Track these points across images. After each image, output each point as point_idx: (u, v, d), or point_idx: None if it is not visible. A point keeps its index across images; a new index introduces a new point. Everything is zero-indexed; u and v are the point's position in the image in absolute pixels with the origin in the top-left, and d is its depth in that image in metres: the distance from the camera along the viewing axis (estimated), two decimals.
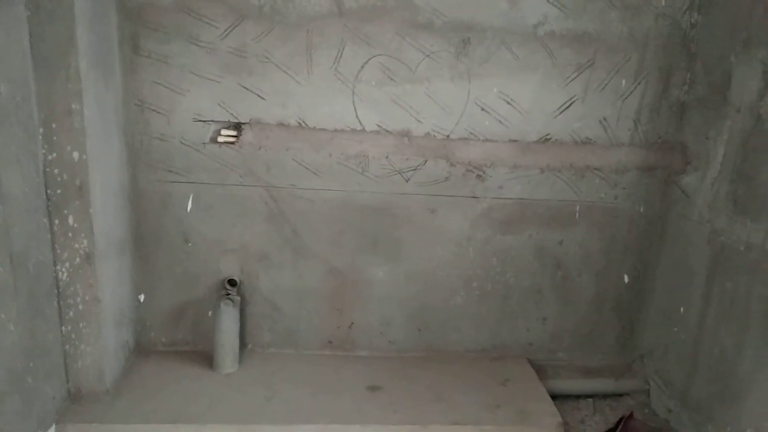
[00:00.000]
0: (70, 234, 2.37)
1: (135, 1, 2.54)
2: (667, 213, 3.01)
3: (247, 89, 2.71)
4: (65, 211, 2.34)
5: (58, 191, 2.31)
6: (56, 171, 2.29)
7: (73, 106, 2.22)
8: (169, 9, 2.56)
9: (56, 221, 2.35)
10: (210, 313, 2.96)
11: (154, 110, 2.69)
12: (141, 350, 2.99)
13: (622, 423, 2.70)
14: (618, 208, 3.04)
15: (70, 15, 2.10)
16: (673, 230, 2.95)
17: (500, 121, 2.86)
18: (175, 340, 3.03)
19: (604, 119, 2.88)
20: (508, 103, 2.83)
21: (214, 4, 2.58)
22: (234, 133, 2.77)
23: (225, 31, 2.62)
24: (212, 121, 2.74)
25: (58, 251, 2.37)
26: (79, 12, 2.13)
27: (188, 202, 2.84)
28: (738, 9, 2.49)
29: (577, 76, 2.80)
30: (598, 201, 3.02)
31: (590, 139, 2.92)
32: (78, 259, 2.40)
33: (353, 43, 2.68)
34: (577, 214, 3.03)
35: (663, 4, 2.72)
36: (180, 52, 2.62)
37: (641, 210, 3.04)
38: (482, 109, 2.83)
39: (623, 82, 2.83)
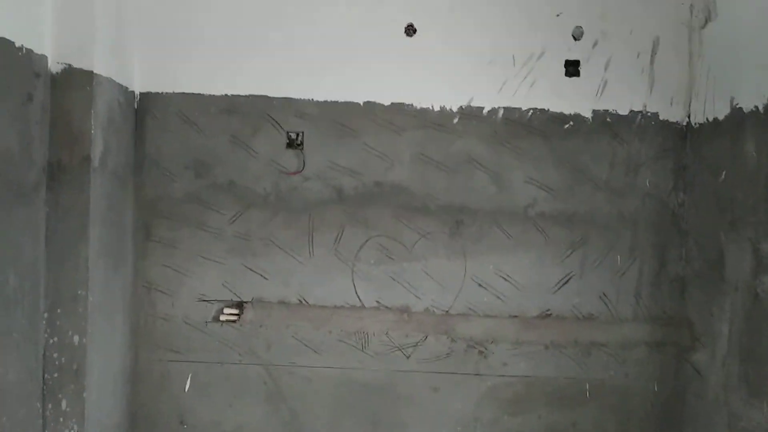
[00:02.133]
0: (61, 419, 2.35)
1: (151, 194, 2.79)
2: (683, 392, 2.84)
3: (251, 270, 2.83)
4: (59, 395, 2.35)
5: (55, 375, 2.34)
6: (55, 355, 2.34)
7: (78, 293, 2.34)
8: (181, 200, 2.80)
9: (49, 405, 2.35)
10: None
11: (160, 291, 2.81)
12: None
13: None
14: (630, 387, 2.89)
15: (85, 211, 2.31)
16: (692, 412, 2.76)
17: (498, 297, 2.87)
18: None
19: (604, 295, 2.87)
20: (505, 279, 2.86)
21: (223, 195, 2.81)
22: (236, 311, 2.84)
23: (232, 218, 2.81)
24: (216, 300, 2.83)
25: None
26: (93, 209, 2.34)
27: (186, 381, 2.83)
28: (720, 191, 2.58)
29: (572, 253, 2.86)
30: (608, 379, 2.88)
31: (592, 315, 2.88)
32: None
33: (352, 226, 2.84)
34: (588, 393, 2.88)
35: (648, 185, 2.85)
36: (188, 237, 2.80)
37: (655, 388, 2.88)
38: (480, 285, 2.87)
39: (618, 258, 2.86)
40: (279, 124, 2.81)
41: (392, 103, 2.82)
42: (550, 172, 2.84)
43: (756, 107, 2.32)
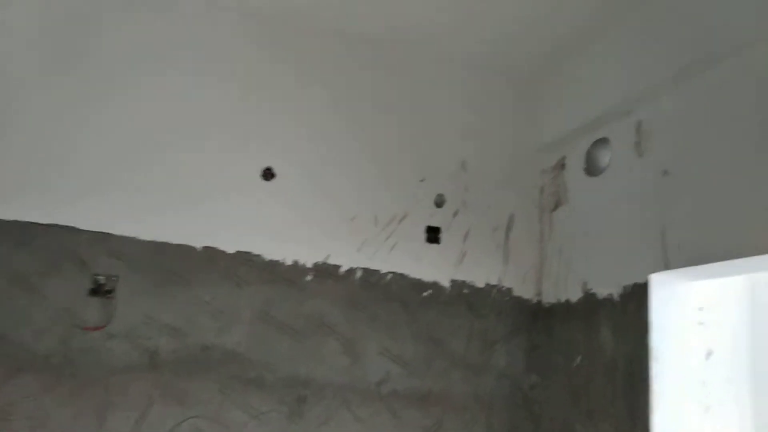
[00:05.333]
0: None
1: None
2: None
3: None
4: None
5: None
6: None
7: None
8: None
9: None
10: None
11: None
12: None
13: None
14: None
15: None
16: None
17: None
18: None
19: None
20: None
21: None
22: None
23: None
24: None
25: None
26: None
27: None
28: (575, 377, 2.49)
29: None
30: None
31: None
32: None
33: (163, 403, 2.19)
34: None
35: (503, 364, 2.69)
36: None
37: None
38: None
39: None
40: (86, 264, 2.19)
41: (238, 252, 2.39)
42: (407, 343, 2.56)
43: (610, 295, 2.33)
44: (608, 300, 2.34)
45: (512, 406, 2.67)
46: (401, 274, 2.61)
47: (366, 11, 2.55)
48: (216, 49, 2.55)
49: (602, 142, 2.52)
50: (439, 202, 2.72)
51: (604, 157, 2.49)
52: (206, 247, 2.35)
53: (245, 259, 2.39)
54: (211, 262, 2.35)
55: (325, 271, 2.50)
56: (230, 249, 2.38)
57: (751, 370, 2.17)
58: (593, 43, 2.58)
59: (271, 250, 2.44)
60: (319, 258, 2.50)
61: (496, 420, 2.63)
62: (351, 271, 2.54)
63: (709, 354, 2.14)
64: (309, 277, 2.47)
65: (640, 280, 2.18)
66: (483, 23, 2.56)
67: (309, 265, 2.48)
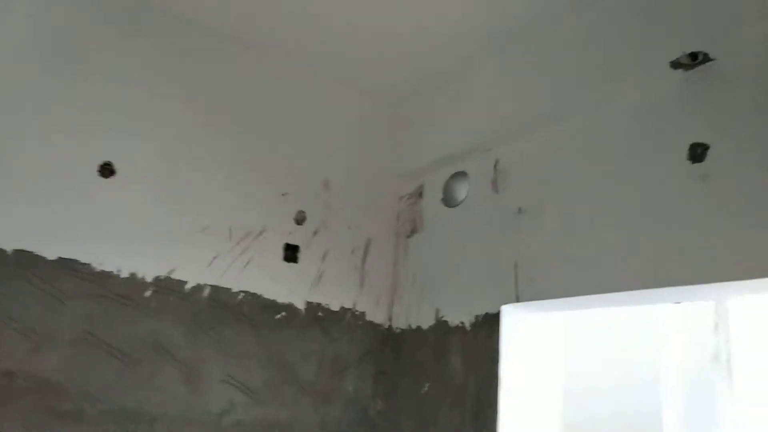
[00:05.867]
0: None
1: None
2: None
3: None
4: None
5: None
6: None
7: None
8: None
9: None
10: None
11: None
12: None
13: None
14: None
15: None
16: None
17: None
18: None
19: None
20: None
21: None
22: None
23: None
24: None
25: None
26: None
27: None
28: (423, 403, 2.49)
29: None
30: None
31: None
32: None
33: None
34: None
35: (351, 390, 2.62)
36: None
37: None
38: None
39: None
40: None
41: (60, 258, 2.01)
42: (255, 369, 2.36)
43: (462, 323, 2.40)
44: (460, 328, 2.41)
45: None
46: (254, 294, 2.42)
47: (241, 12, 2.37)
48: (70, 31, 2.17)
49: (461, 175, 2.62)
50: (300, 219, 2.60)
51: (462, 190, 2.59)
52: (19, 251, 1.94)
53: (69, 267, 2.02)
54: (24, 269, 1.94)
55: (167, 286, 2.21)
56: (51, 255, 1.99)
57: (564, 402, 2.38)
58: (460, 80, 2.68)
59: (102, 260, 2.09)
60: (162, 272, 2.21)
61: None
62: (198, 288, 2.28)
63: (545, 384, 2.30)
64: (148, 293, 2.17)
65: (491, 311, 2.27)
66: (358, 43, 2.53)
67: (149, 279, 2.18)
